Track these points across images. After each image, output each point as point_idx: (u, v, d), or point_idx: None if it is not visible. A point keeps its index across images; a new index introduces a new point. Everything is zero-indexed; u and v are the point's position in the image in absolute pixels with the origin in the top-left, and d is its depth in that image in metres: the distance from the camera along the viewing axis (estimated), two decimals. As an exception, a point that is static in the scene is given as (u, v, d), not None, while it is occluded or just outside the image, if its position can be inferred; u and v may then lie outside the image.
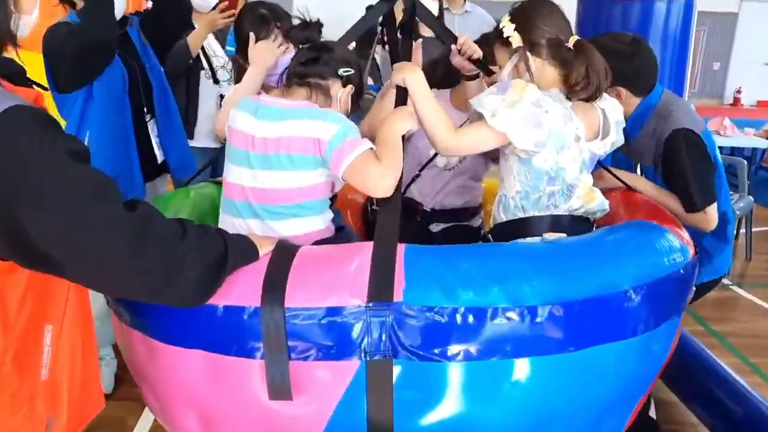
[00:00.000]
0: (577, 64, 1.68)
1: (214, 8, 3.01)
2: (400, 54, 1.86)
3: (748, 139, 6.45)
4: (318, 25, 1.86)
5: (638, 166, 2.39)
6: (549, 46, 1.71)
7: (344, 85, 1.73)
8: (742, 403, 2.23)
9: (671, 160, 2.12)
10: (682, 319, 1.69)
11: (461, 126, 1.79)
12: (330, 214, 1.75)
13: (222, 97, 3.02)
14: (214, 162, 2.37)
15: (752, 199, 4.60)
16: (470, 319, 1.33)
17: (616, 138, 1.79)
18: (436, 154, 2.34)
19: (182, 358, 1.41)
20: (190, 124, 3.09)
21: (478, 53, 2.01)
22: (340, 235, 1.79)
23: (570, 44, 1.71)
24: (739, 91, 11.33)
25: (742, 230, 4.72)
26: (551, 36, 1.71)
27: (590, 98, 1.71)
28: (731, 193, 3.83)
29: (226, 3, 2.91)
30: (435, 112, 1.66)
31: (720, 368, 2.43)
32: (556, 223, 1.71)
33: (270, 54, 2.04)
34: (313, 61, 1.72)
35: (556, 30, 1.72)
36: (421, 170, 2.39)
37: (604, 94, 1.77)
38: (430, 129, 1.67)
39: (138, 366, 1.58)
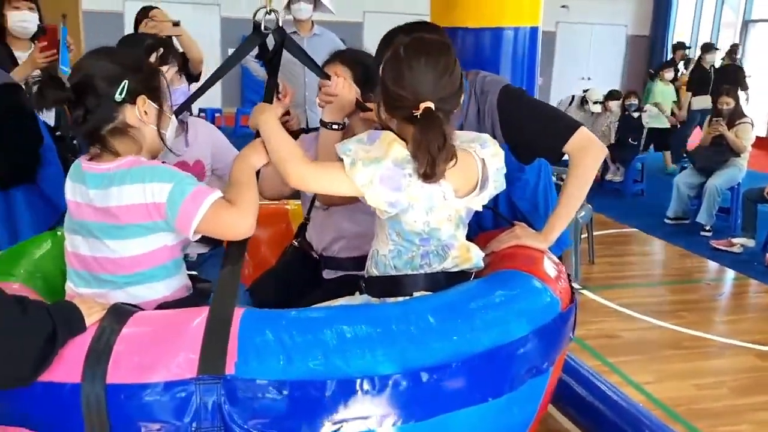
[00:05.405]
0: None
1: (32, 39, 2.97)
2: (265, 92, 1.75)
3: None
4: (59, 82, 1.51)
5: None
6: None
7: (134, 102, 1.51)
8: (608, 404, 2.37)
9: (516, 116, 1.95)
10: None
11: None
12: (179, 277, 1.62)
13: None
14: None
15: (591, 207, 4.72)
16: (309, 392, 1.25)
17: (495, 188, 1.65)
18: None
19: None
20: None
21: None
22: (199, 290, 1.68)
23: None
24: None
25: (584, 235, 4.85)
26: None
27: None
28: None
29: (45, 43, 2.75)
30: (286, 145, 1.56)
31: (585, 372, 2.51)
32: (432, 281, 1.60)
33: None
34: (84, 116, 1.48)
35: None
36: (308, 214, 2.25)
37: (487, 138, 1.68)
38: (282, 162, 1.55)
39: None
